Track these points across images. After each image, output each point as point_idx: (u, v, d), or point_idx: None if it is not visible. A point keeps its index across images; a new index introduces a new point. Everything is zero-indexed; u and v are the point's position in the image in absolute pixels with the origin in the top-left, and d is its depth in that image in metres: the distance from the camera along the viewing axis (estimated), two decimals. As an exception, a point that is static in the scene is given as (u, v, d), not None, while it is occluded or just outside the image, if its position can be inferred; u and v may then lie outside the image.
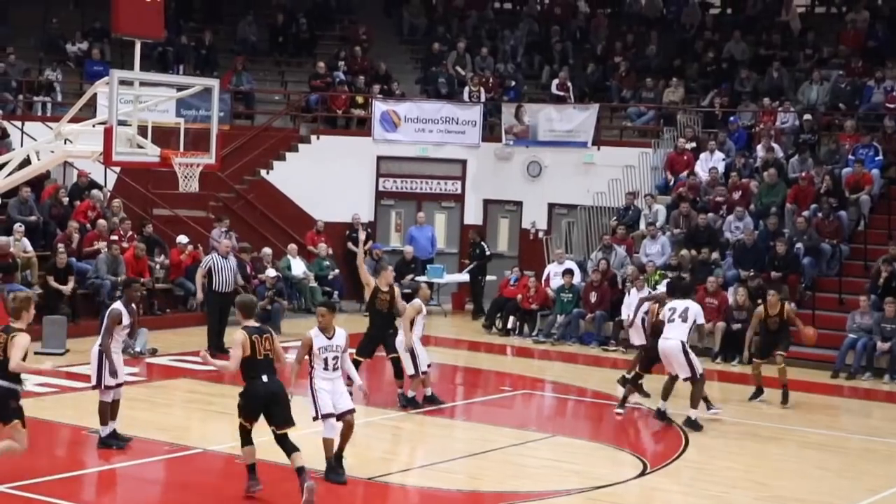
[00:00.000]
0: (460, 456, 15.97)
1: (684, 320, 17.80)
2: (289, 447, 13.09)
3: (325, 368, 14.06)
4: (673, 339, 17.77)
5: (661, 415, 18.02)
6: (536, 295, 26.42)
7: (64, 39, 32.87)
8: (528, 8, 37.48)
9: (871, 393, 22.04)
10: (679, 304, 18.01)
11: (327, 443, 14.12)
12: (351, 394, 14.68)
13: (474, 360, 24.53)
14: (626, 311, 24.60)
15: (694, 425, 17.47)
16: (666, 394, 18.04)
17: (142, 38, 18.81)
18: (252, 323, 13.28)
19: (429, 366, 18.59)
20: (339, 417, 14.05)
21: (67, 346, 21.86)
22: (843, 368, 23.01)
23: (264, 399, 13.09)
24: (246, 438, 13.27)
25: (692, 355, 17.78)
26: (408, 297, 28.24)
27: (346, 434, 14.25)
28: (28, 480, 13.49)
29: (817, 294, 25.07)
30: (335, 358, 14.08)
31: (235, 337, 13.18)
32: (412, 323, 18.16)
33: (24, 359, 12.80)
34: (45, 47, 32.98)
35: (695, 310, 18.03)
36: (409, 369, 18.16)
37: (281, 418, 13.12)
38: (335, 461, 14.17)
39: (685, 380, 17.80)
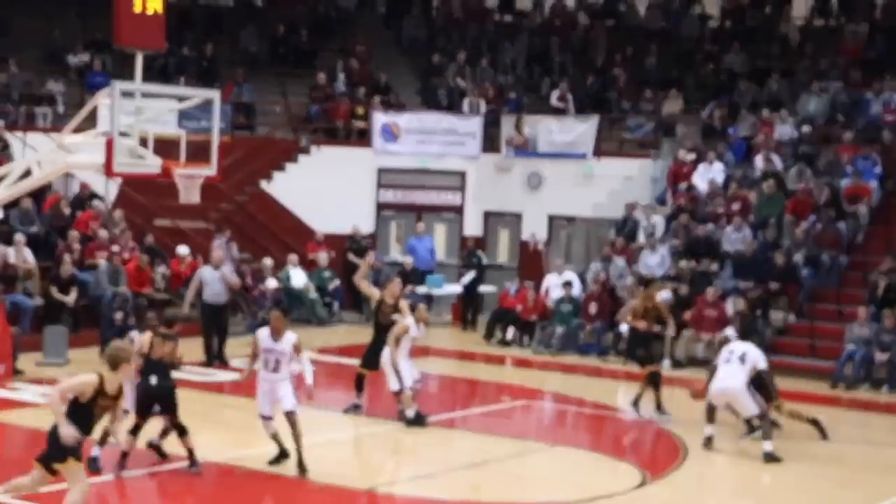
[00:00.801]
0: (460, 466, 16.02)
1: (742, 362, 17.24)
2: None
3: (266, 369, 14.97)
4: (730, 381, 17.17)
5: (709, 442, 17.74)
6: (536, 306, 26.48)
7: (65, 51, 32.95)
8: (527, 20, 37.58)
9: (869, 404, 22.06)
10: (737, 346, 17.66)
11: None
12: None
13: (474, 370, 24.57)
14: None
15: (771, 457, 16.97)
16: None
17: (143, 49, 18.84)
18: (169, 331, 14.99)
19: (417, 381, 18.39)
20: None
21: (69, 356, 21.91)
22: (841, 379, 23.04)
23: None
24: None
25: (755, 395, 17.29)
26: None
27: (294, 434, 14.79)
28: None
29: (816, 305, 25.13)
30: (277, 361, 14.88)
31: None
32: (398, 340, 17.87)
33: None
34: (46, 59, 33.05)
35: (754, 355, 17.36)
36: (392, 385, 17.97)
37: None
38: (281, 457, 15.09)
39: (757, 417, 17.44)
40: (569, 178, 30.61)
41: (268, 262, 27.43)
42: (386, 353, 17.97)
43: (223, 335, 22.73)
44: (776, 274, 25.18)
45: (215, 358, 22.42)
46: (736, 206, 27.37)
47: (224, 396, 20.26)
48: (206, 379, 21.06)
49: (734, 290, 25.27)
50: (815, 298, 25.28)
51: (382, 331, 18.24)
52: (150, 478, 14.91)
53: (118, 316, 23.03)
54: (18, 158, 25.22)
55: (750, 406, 17.15)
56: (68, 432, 11.34)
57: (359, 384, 18.63)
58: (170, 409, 14.89)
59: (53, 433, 11.51)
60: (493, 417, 19.70)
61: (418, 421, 17.92)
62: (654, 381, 19.40)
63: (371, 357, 18.43)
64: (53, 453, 11.55)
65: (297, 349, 15.01)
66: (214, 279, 22.64)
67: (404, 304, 18.36)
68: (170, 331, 15.09)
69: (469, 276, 28.95)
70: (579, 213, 29.51)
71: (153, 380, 14.68)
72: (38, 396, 19.03)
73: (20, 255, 23.79)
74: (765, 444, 16.88)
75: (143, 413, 14.77)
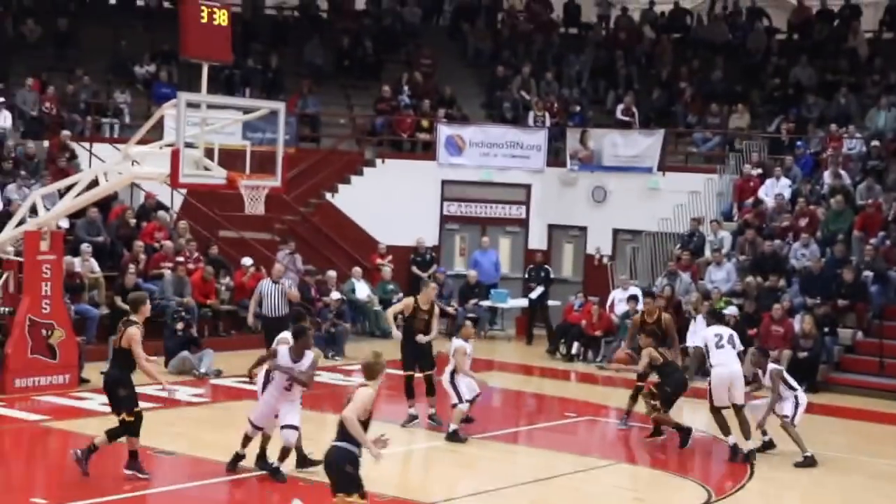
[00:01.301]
0: (523, 482, 15.90)
1: (733, 346, 17.76)
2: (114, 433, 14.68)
3: (278, 386, 15.10)
4: (733, 365, 17.69)
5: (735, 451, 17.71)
6: (600, 321, 26.31)
7: (132, 62, 33.18)
8: (593, 33, 37.46)
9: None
10: (722, 330, 18.03)
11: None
12: None
13: (538, 385, 24.45)
14: (692, 339, 24.49)
15: (751, 455, 17.25)
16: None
17: (209, 61, 18.93)
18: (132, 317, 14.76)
19: (477, 395, 18.26)
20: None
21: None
22: (912, 397, 22.73)
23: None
24: None
25: None
26: (473, 322, 28.33)
27: (283, 449, 15.09)
28: (95, 499, 13.55)
29: (885, 323, 24.77)
30: (290, 382, 15.01)
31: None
32: (458, 361, 17.93)
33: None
34: (113, 69, 33.30)
35: (735, 337, 18.07)
36: (453, 398, 17.94)
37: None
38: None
39: (739, 407, 17.61)
40: (634, 192, 30.44)
41: (332, 274, 27.41)
42: (445, 373, 17.95)
43: None
44: (844, 291, 24.87)
45: None
46: (803, 222, 27.09)
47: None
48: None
49: (801, 307, 24.99)
50: (884, 316, 24.92)
51: (414, 335, 18.62)
52: (212, 488, 14.90)
53: (179, 326, 23.05)
54: (85, 169, 25.42)
55: (741, 393, 17.56)
56: (377, 452, 11.06)
57: (409, 389, 18.78)
58: (111, 400, 14.84)
59: (336, 463, 11.11)
60: (556, 433, 19.57)
61: (455, 437, 17.82)
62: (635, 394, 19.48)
63: (410, 360, 18.73)
64: (345, 484, 11.10)
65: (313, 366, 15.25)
66: (274, 292, 22.54)
67: (437, 309, 18.87)
68: (133, 317, 14.91)
69: (538, 290, 28.74)
70: (644, 228, 29.33)
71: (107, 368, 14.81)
72: (103, 406, 19.11)
73: (86, 264, 23.92)
74: (748, 443, 17.32)
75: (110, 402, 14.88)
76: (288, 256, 27.73)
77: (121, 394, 14.66)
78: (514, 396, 22.99)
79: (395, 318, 19.13)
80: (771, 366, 17.80)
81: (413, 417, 18.66)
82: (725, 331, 18.04)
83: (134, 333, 14.47)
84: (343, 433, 11.02)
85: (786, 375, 17.91)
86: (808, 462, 17.32)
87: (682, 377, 18.89)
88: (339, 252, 29.85)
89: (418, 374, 18.79)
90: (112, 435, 14.54)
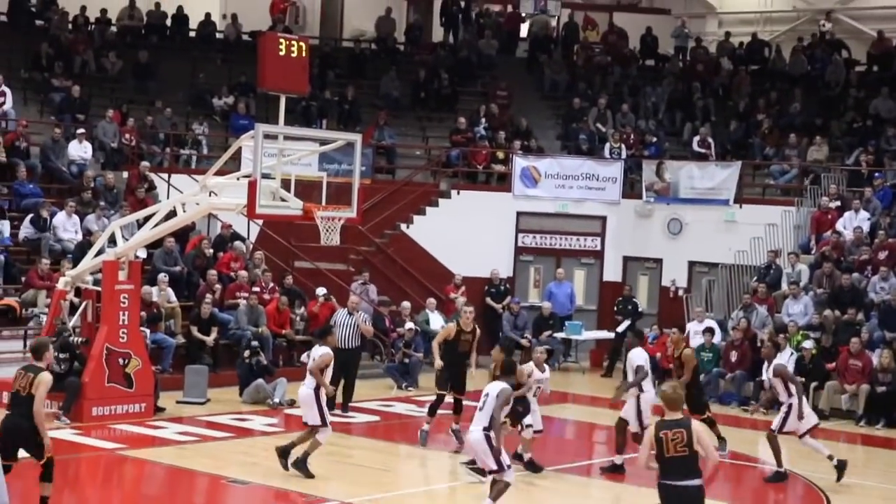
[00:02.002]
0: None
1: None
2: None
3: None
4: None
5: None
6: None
7: (211, 94, 33.52)
8: (669, 64, 37.35)
9: None
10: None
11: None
12: None
13: (612, 418, 24.22)
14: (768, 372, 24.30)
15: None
16: None
17: (287, 93, 19.05)
18: (34, 362, 13.90)
19: (538, 431, 18.06)
20: None
21: (208, 395, 22.14)
22: None
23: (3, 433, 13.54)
24: None
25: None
26: (547, 354, 28.26)
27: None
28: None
29: (966, 358, 24.42)
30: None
31: None
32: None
33: None
34: (192, 101, 33.67)
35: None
36: (537, 424, 17.89)
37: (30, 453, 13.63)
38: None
39: None
40: (710, 225, 30.24)
41: (406, 305, 27.44)
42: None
43: (350, 380, 22.33)
44: (924, 325, 24.57)
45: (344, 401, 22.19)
46: (882, 255, 26.78)
47: (352, 438, 20.23)
48: (342, 420, 21.09)
49: (880, 341, 24.70)
50: (965, 351, 24.57)
51: (456, 357, 19.24)
52: None
53: (246, 354, 23.10)
54: (163, 199, 25.70)
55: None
56: None
57: (433, 409, 19.29)
58: (27, 447, 13.63)
59: None
60: (630, 465, 19.41)
61: (532, 467, 17.81)
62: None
63: (445, 381, 19.28)
64: None
65: None
66: (347, 323, 22.46)
67: (478, 331, 19.45)
68: (35, 363, 14.00)
69: (624, 324, 28.59)
70: (721, 260, 29.11)
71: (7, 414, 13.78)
72: (178, 435, 19.27)
73: (163, 294, 24.13)
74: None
75: (5, 451, 13.48)
76: (362, 287, 27.82)
77: (38, 441, 13.59)
78: (588, 429, 22.88)
79: (440, 347, 19.51)
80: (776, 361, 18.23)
81: (455, 435, 19.01)
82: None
83: (48, 380, 13.68)
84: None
85: (790, 376, 18.06)
86: (778, 477, 17.55)
87: None
88: (414, 283, 29.89)
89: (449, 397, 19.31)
90: (48, 477, 13.72)
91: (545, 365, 18.23)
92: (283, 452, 16.78)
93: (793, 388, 17.93)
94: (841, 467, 17.89)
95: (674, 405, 11.78)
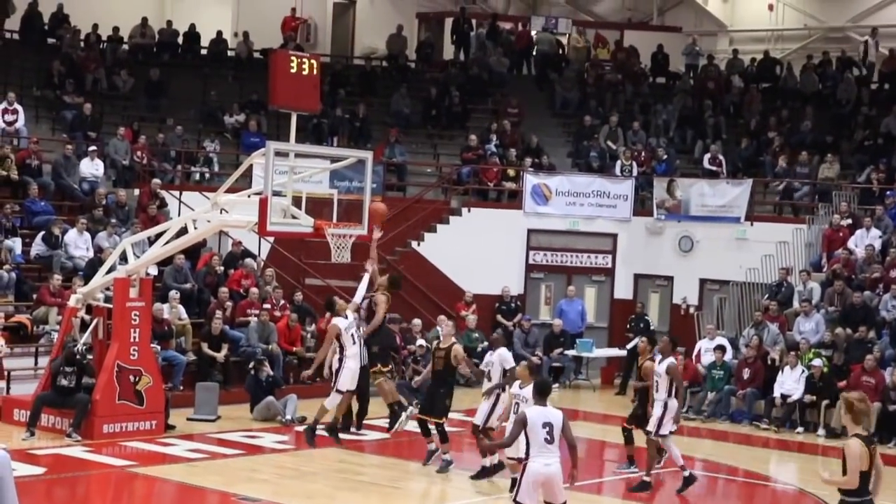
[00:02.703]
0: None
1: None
2: None
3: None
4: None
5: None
6: (686, 371, 26.07)
7: (222, 111, 33.58)
8: (681, 82, 37.36)
9: None
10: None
11: None
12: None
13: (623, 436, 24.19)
14: (779, 390, 24.29)
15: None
16: None
17: (298, 110, 19.08)
18: None
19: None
20: None
21: (219, 412, 22.13)
22: None
23: None
24: None
25: None
26: (557, 372, 28.26)
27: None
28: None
29: (978, 376, 24.36)
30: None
31: None
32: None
33: None
34: (203, 119, 33.73)
35: None
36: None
37: None
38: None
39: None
40: (721, 242, 30.23)
41: (417, 322, 27.41)
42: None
43: (364, 398, 22.25)
44: (936, 343, 24.51)
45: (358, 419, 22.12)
46: (894, 273, 26.72)
47: (363, 455, 20.22)
48: (353, 438, 21.09)
49: (893, 359, 24.65)
50: (977, 369, 24.50)
51: (437, 376, 18.69)
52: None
53: (250, 365, 23.12)
54: (174, 217, 25.74)
55: None
56: None
57: (425, 430, 18.78)
58: None
59: None
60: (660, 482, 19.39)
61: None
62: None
63: (429, 403, 18.71)
64: None
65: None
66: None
67: (458, 348, 18.49)
68: None
69: (635, 341, 28.60)
70: (732, 278, 29.07)
71: None
72: (188, 452, 19.27)
73: (174, 311, 24.16)
74: None
75: None
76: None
77: None
78: (599, 446, 22.83)
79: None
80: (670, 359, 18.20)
81: (431, 453, 18.76)
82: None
83: None
84: None
85: (679, 378, 18.29)
86: (643, 486, 17.72)
87: None
88: (425, 300, 29.87)
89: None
90: None
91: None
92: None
93: (676, 390, 18.10)
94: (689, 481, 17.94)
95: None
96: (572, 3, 43.54)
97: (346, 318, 18.68)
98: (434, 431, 18.57)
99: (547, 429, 12.96)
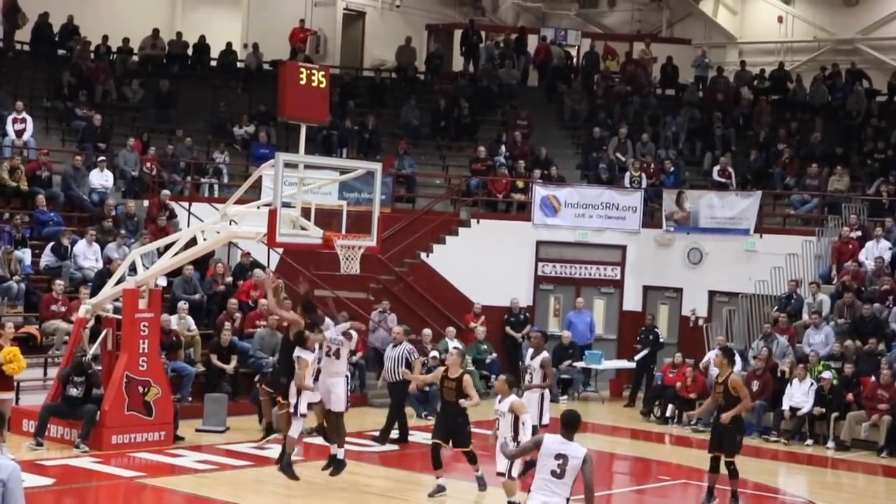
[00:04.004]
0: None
1: None
2: None
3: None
4: None
5: None
6: (695, 384, 26.05)
7: (231, 123, 33.63)
8: (689, 94, 37.35)
9: None
10: None
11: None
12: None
13: (632, 448, 24.23)
14: (788, 402, 24.23)
15: None
16: None
17: (307, 122, 19.06)
18: None
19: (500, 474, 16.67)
20: None
21: (228, 423, 22.12)
22: None
23: None
24: None
25: None
26: (566, 384, 28.19)
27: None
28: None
29: None
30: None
31: None
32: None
33: None
34: (212, 130, 33.77)
35: None
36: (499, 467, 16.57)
37: None
38: None
39: None
40: (730, 254, 30.21)
41: (427, 332, 27.24)
42: (499, 441, 16.73)
43: (397, 412, 22.10)
44: (946, 355, 24.44)
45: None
46: (904, 285, 26.70)
47: (370, 466, 20.21)
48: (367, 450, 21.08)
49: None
50: None
51: (447, 407, 17.71)
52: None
53: (256, 379, 23.15)
54: (183, 228, 25.76)
55: None
56: None
57: (435, 459, 17.75)
58: None
59: None
60: (651, 496, 19.39)
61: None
62: None
63: (447, 432, 17.63)
64: None
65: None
66: (392, 356, 22.20)
67: (468, 379, 17.56)
68: None
69: (643, 352, 28.65)
70: (741, 290, 29.03)
71: None
72: (197, 463, 19.26)
73: (182, 322, 24.17)
74: None
75: None
76: (381, 315, 27.82)
77: None
78: (608, 459, 22.80)
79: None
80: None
81: (441, 488, 17.78)
82: None
83: None
84: None
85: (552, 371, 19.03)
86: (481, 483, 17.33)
87: None
88: (434, 312, 29.85)
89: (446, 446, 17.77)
90: None
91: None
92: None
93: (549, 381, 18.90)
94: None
95: None
96: (582, 16, 43.55)
97: (313, 351, 18.06)
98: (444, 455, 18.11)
99: (560, 461, 11.60)
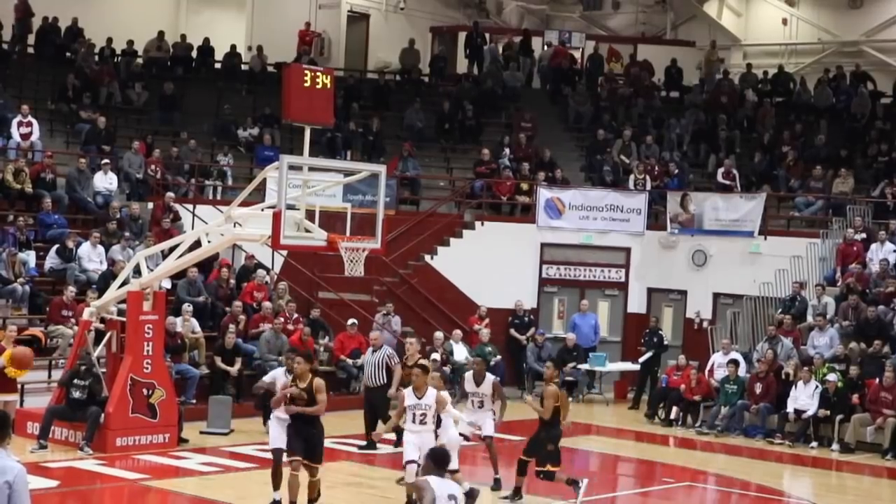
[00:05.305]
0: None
1: None
2: None
3: (413, 422, 16.10)
4: None
5: None
6: (699, 386, 26.03)
7: (236, 125, 33.63)
8: (693, 96, 37.32)
9: None
10: None
11: (408, 487, 15.76)
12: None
13: (636, 450, 24.22)
14: (793, 405, 24.21)
15: None
16: None
17: (312, 124, 19.08)
18: None
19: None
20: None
21: (232, 426, 22.12)
22: None
23: None
24: None
25: None
26: (570, 386, 28.14)
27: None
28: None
29: None
30: (423, 414, 16.01)
31: None
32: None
33: None
34: (217, 132, 33.78)
35: None
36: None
37: None
38: None
39: None
40: (735, 256, 30.18)
41: (438, 335, 27.07)
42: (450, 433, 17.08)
43: (379, 417, 21.82)
44: (951, 357, 24.41)
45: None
46: (908, 287, 26.67)
47: (376, 469, 20.21)
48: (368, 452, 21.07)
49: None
50: None
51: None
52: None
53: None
54: (188, 230, 25.77)
55: None
56: None
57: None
58: None
59: None
60: (655, 498, 19.36)
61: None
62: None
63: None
64: None
65: (440, 404, 16.11)
66: (371, 361, 21.83)
67: (442, 396, 16.67)
68: None
69: (647, 354, 28.63)
70: (745, 292, 28.99)
71: None
72: (201, 465, 19.26)
73: (187, 325, 24.17)
74: None
75: None
76: (385, 318, 27.81)
77: None
78: (612, 461, 22.81)
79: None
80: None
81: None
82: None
83: None
84: None
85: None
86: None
87: None
88: (438, 314, 29.86)
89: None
90: None
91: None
92: None
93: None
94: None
95: None
96: (586, 18, 43.56)
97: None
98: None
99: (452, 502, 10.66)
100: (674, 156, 34.17)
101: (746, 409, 25.28)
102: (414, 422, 16.10)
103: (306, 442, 15.59)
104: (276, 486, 16.04)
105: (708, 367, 26.56)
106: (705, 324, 29.94)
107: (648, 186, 32.08)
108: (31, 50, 34.64)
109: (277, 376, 16.68)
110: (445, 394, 17.08)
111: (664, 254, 31.18)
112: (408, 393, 16.28)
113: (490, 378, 18.56)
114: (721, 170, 32.60)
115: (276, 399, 16.01)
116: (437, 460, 10.93)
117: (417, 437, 15.99)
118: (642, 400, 28.09)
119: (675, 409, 26.19)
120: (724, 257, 30.37)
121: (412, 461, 15.82)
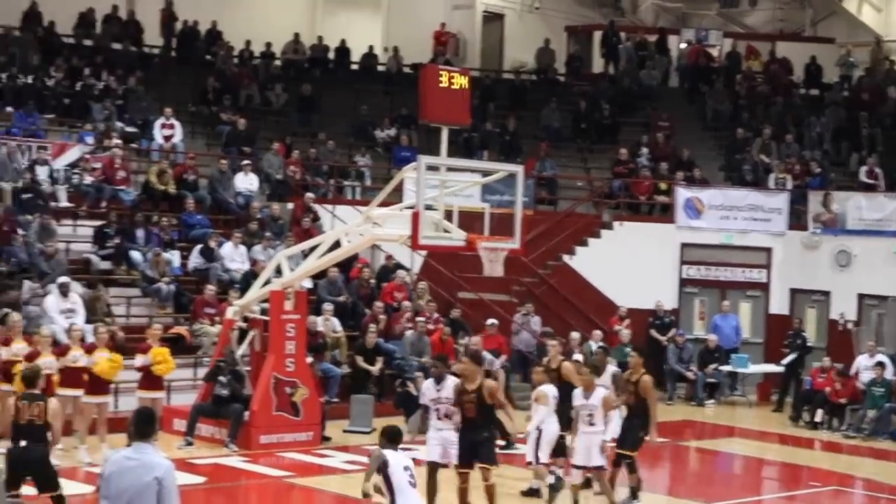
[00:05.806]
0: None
1: None
2: None
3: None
4: None
5: None
6: (845, 388, 25.52)
7: (373, 126, 33.80)
8: (834, 94, 36.66)
9: None
10: None
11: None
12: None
13: (781, 453, 23.83)
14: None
15: None
16: None
17: (448, 124, 19.08)
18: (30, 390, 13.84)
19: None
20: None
21: (374, 424, 22.19)
22: None
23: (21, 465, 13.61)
24: None
25: None
26: (712, 388, 27.66)
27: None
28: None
29: None
30: (589, 414, 15.83)
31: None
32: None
33: None
34: (354, 133, 33.97)
35: None
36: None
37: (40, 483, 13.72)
38: None
39: None
40: (880, 257, 29.51)
41: (575, 335, 26.86)
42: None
43: None
44: None
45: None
46: None
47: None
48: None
49: None
50: None
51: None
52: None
53: (397, 383, 23.22)
54: (328, 230, 25.94)
55: None
56: None
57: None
58: (40, 477, 13.71)
59: None
60: (800, 502, 19.03)
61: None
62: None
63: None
64: None
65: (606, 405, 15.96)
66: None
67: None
68: (35, 391, 13.91)
69: (791, 356, 28.15)
70: (891, 293, 28.40)
71: (22, 444, 13.62)
72: (345, 464, 19.35)
73: (328, 324, 24.32)
74: None
75: (15, 482, 13.61)
76: (524, 318, 27.72)
77: (51, 472, 13.87)
78: (756, 464, 22.47)
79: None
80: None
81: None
82: None
83: (56, 406, 14.17)
84: None
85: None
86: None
87: None
88: (577, 314, 29.65)
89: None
90: None
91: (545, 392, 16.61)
92: None
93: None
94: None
95: None
96: (723, 15, 43.06)
97: None
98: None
99: (409, 472, 11.81)
100: (815, 154, 33.58)
101: (894, 412, 24.75)
102: (582, 423, 16.01)
103: (477, 446, 15.33)
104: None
105: (853, 370, 26.02)
106: (850, 325, 29.36)
107: (789, 186, 31.57)
108: (173, 53, 35.14)
109: (425, 390, 16.23)
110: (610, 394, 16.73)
111: (807, 254, 30.61)
112: (576, 393, 16.17)
113: (601, 391, 16.57)
114: (864, 168, 31.99)
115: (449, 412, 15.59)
116: (391, 437, 12.04)
117: (586, 438, 15.91)
118: (786, 402, 27.63)
119: (820, 411, 25.72)
120: (869, 257, 29.73)
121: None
